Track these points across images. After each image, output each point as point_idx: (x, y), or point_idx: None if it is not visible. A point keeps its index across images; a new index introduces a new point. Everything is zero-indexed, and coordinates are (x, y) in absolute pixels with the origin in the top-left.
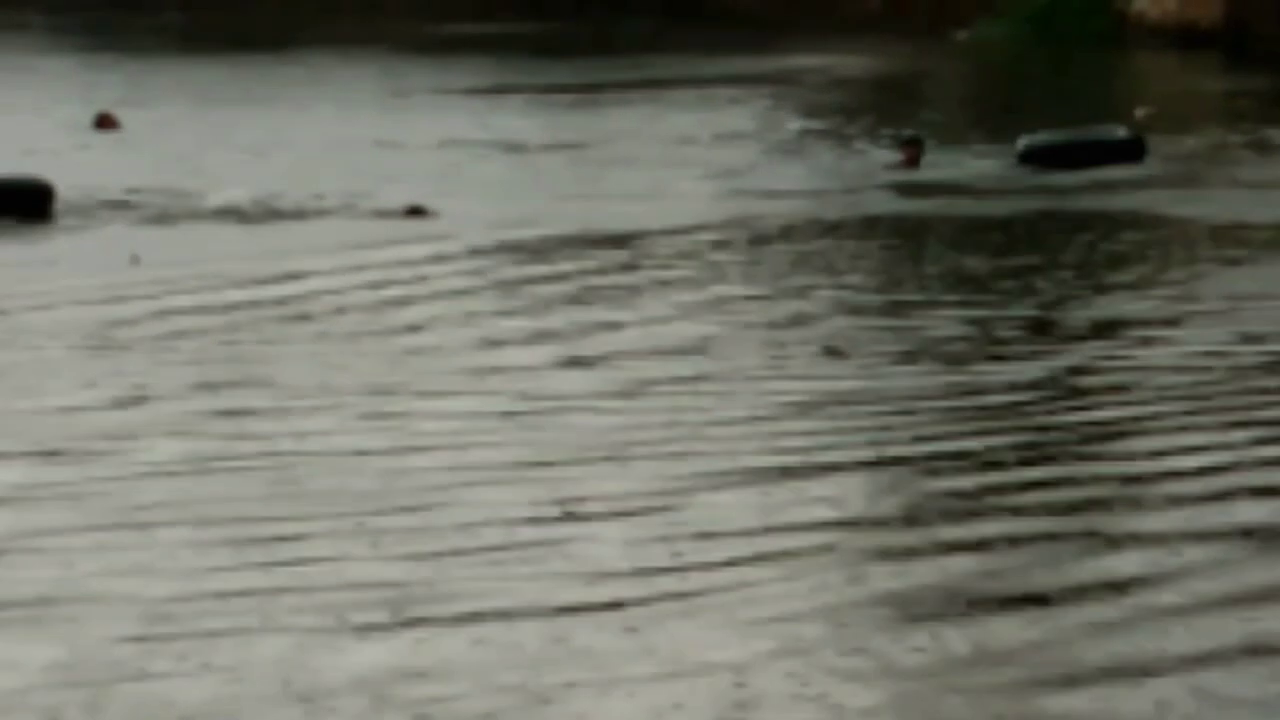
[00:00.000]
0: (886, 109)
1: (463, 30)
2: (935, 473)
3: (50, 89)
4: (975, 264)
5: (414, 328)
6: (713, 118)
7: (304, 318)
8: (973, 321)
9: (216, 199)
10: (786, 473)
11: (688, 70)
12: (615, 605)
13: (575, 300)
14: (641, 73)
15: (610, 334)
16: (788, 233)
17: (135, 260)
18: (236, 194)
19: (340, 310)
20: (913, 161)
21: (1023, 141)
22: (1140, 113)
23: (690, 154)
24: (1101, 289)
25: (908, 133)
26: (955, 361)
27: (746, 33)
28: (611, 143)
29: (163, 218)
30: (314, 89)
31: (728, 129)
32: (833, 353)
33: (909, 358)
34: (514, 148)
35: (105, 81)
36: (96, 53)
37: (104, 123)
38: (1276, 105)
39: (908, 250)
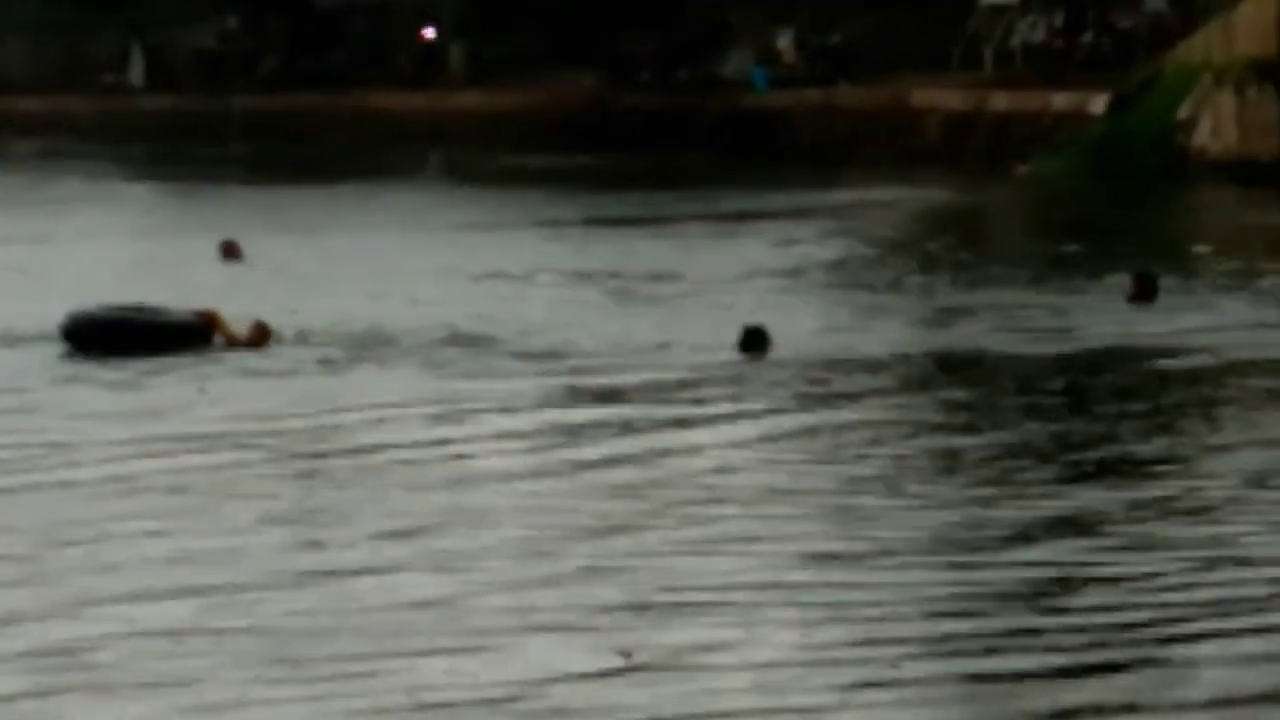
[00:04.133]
0: (1015, 240)
1: (525, 162)
2: None
3: (151, 216)
4: None
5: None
6: (814, 250)
7: None
8: None
9: (521, 343)
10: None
11: (764, 204)
12: None
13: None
14: (719, 206)
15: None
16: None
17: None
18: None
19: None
20: (1147, 298)
21: None
22: (1200, 249)
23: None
24: None
25: (1137, 272)
26: None
27: (808, 167)
28: (728, 278)
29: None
30: (389, 217)
31: (827, 259)
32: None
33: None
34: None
35: (201, 210)
36: (174, 182)
37: (229, 252)
38: None
39: None
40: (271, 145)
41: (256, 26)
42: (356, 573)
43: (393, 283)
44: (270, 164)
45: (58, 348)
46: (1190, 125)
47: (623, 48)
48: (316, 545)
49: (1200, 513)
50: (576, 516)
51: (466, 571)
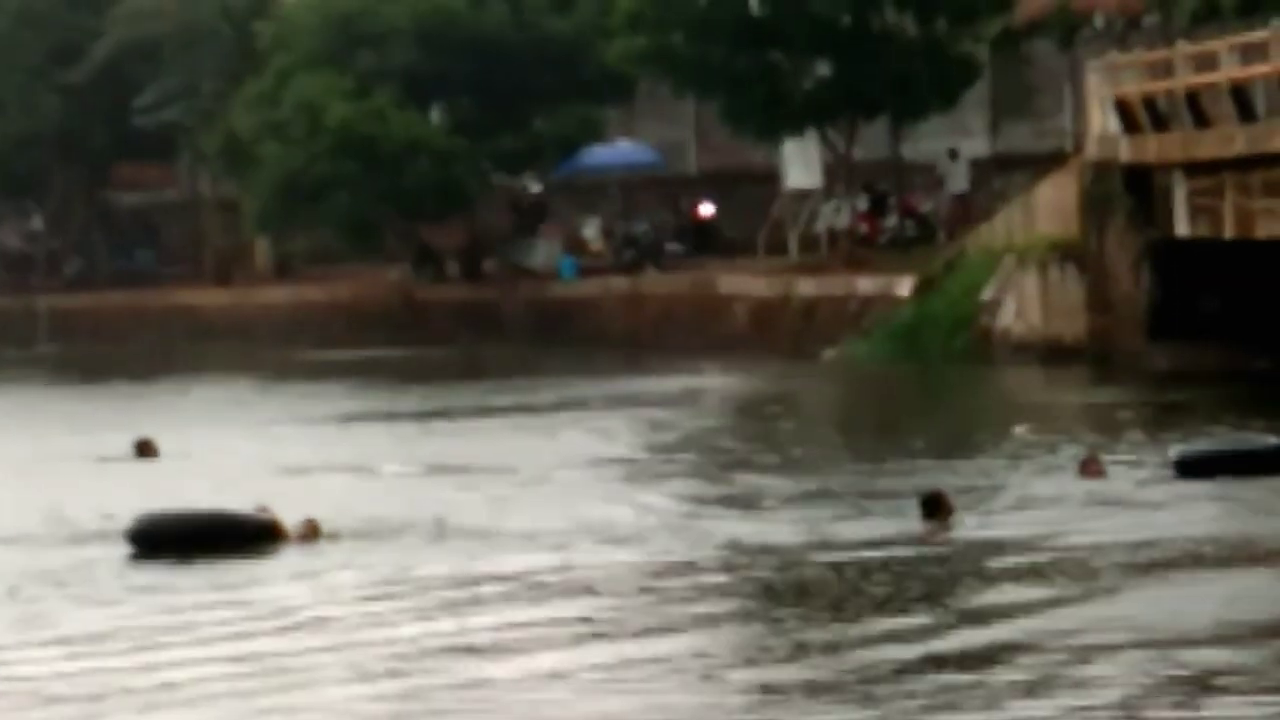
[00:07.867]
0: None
1: (334, 356)
2: None
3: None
4: None
5: None
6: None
7: None
8: None
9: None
10: None
11: (578, 393)
12: None
13: None
14: (534, 398)
15: None
16: None
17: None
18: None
19: None
20: (1098, 473)
21: (1175, 451)
22: (1020, 429)
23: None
24: None
25: (1086, 451)
26: None
27: (618, 355)
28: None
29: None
30: (241, 412)
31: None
32: None
33: None
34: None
35: (62, 410)
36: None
37: (144, 450)
38: (1155, 417)
39: None
40: (79, 345)
41: (61, 226)
42: None
43: (316, 477)
44: (80, 365)
45: (123, 550)
46: (994, 307)
47: (428, 239)
48: None
49: None
50: None
51: None
